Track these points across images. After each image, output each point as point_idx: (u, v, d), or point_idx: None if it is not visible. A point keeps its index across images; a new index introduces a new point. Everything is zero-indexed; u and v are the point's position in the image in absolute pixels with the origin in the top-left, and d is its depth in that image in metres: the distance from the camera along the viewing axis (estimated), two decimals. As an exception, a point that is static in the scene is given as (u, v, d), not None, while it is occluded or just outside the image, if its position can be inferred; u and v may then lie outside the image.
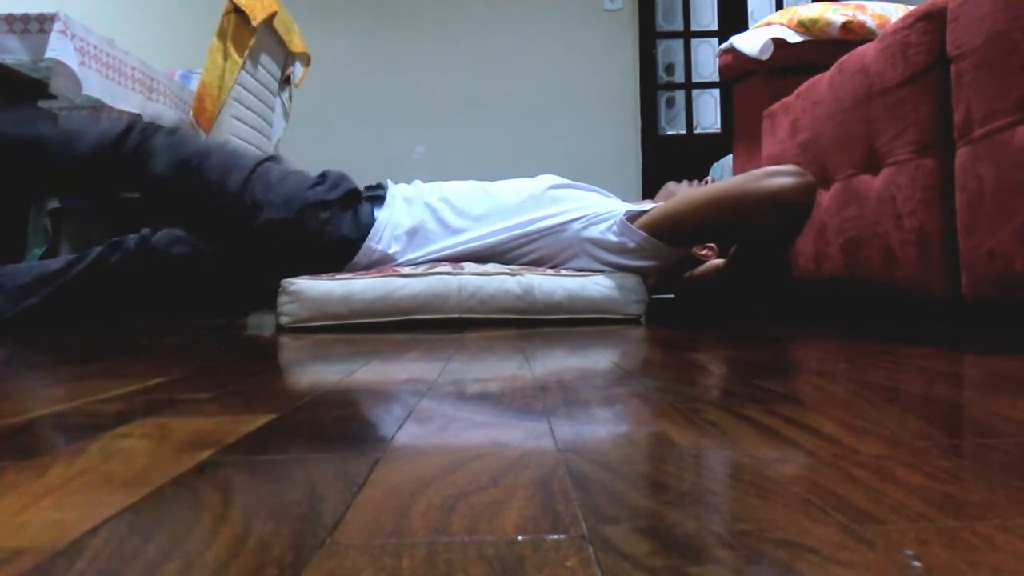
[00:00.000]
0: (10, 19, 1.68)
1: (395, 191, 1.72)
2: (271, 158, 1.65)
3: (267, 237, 1.56)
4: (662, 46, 4.20)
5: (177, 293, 1.68)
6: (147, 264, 1.62)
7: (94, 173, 1.51)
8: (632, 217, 1.61)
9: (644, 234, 1.59)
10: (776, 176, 1.44)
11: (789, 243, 1.57)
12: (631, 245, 1.61)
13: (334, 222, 1.59)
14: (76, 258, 1.62)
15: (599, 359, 0.94)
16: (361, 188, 1.70)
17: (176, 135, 1.56)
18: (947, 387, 0.67)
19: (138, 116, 1.58)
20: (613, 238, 1.62)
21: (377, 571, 0.27)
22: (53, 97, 1.96)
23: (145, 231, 1.65)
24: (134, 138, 1.50)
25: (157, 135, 1.53)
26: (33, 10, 1.68)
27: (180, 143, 1.54)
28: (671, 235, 1.59)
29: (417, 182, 1.80)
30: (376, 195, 1.69)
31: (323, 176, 1.65)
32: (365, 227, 1.62)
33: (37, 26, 1.68)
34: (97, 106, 1.99)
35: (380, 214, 1.64)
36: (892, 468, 0.39)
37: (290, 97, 2.60)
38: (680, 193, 1.71)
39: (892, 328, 1.33)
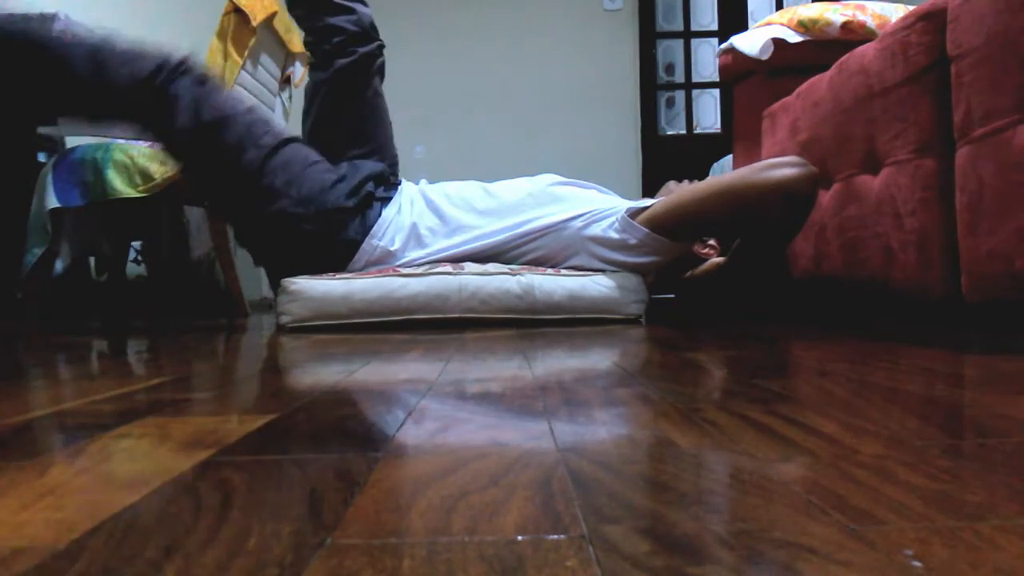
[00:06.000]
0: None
1: (403, 188, 1.72)
2: (292, 139, 1.62)
3: (278, 225, 1.56)
4: (662, 46, 4.20)
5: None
6: None
7: (116, 108, 1.48)
8: (634, 213, 1.61)
9: (646, 230, 1.58)
10: (779, 167, 1.44)
11: (791, 235, 1.57)
12: (633, 242, 1.60)
13: (346, 225, 1.60)
14: None
15: (599, 359, 0.94)
16: (375, 187, 1.69)
17: (204, 87, 1.51)
18: (947, 387, 0.67)
19: (169, 54, 1.49)
20: (615, 235, 1.61)
21: (377, 571, 0.27)
22: (53, 97, 1.95)
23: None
24: (161, 80, 1.46)
25: (183, 79, 1.48)
26: (33, 10, 1.68)
27: (203, 100, 1.49)
28: (674, 229, 1.58)
29: (423, 182, 1.80)
30: (388, 196, 1.69)
31: (343, 176, 1.63)
32: (370, 225, 1.62)
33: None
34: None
35: (386, 211, 1.65)
36: (892, 468, 0.39)
37: (290, 97, 2.60)
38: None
39: (892, 328, 1.32)
